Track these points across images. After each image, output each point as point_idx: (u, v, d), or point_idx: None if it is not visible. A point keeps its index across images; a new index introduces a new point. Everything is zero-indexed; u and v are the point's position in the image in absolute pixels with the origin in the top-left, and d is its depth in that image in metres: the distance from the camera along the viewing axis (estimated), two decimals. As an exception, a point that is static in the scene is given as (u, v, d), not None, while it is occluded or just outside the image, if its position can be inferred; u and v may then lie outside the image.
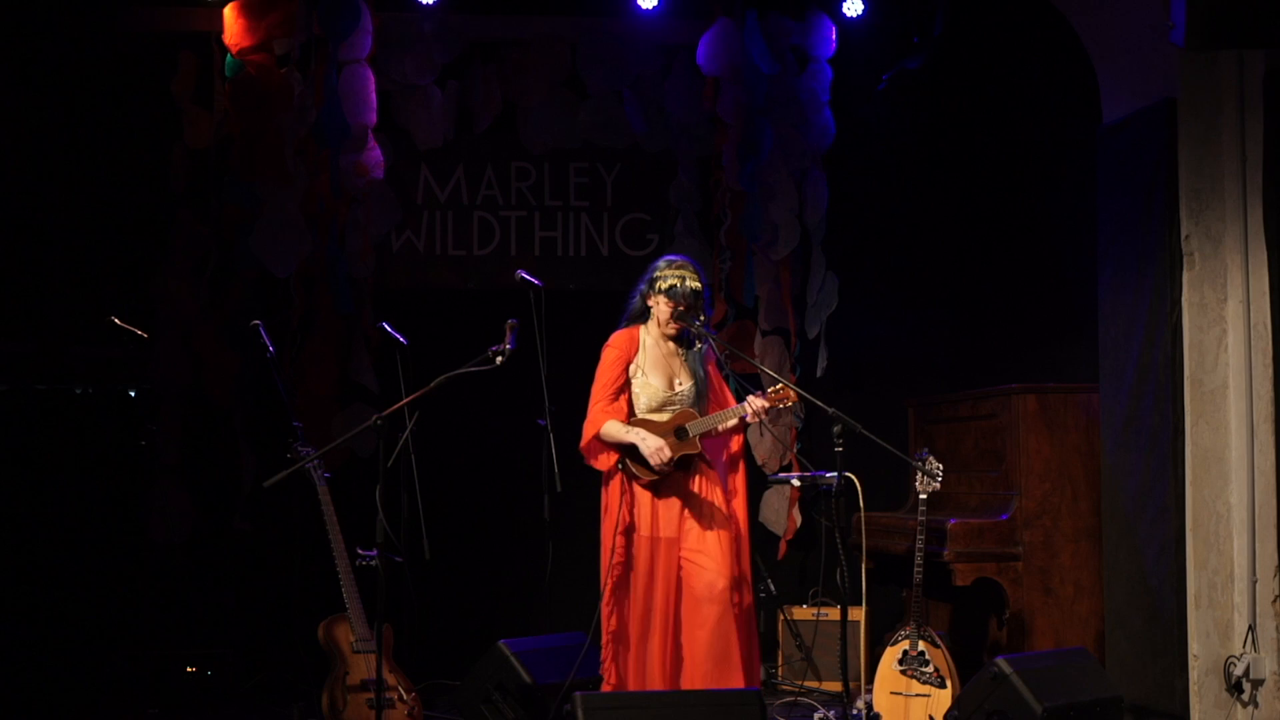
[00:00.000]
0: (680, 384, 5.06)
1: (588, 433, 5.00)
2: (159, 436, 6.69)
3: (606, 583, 4.97)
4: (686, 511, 5.00)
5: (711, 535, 4.97)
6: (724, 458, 5.17)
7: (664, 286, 5.01)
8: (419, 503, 5.70)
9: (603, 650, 5.00)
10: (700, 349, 5.13)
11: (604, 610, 4.96)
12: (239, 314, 6.71)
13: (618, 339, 5.10)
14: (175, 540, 6.71)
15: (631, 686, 4.91)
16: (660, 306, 5.03)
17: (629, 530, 4.97)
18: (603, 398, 5.01)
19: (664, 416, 5.02)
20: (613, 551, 4.93)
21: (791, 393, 4.93)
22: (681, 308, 4.99)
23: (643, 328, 5.12)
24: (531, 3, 7.22)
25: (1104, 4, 5.85)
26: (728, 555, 4.96)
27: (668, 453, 4.84)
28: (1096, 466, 6.03)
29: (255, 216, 6.81)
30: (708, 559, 4.93)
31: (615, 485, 5.01)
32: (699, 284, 5.02)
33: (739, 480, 5.17)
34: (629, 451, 4.95)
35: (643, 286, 5.10)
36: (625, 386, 5.05)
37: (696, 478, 5.04)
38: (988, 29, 7.15)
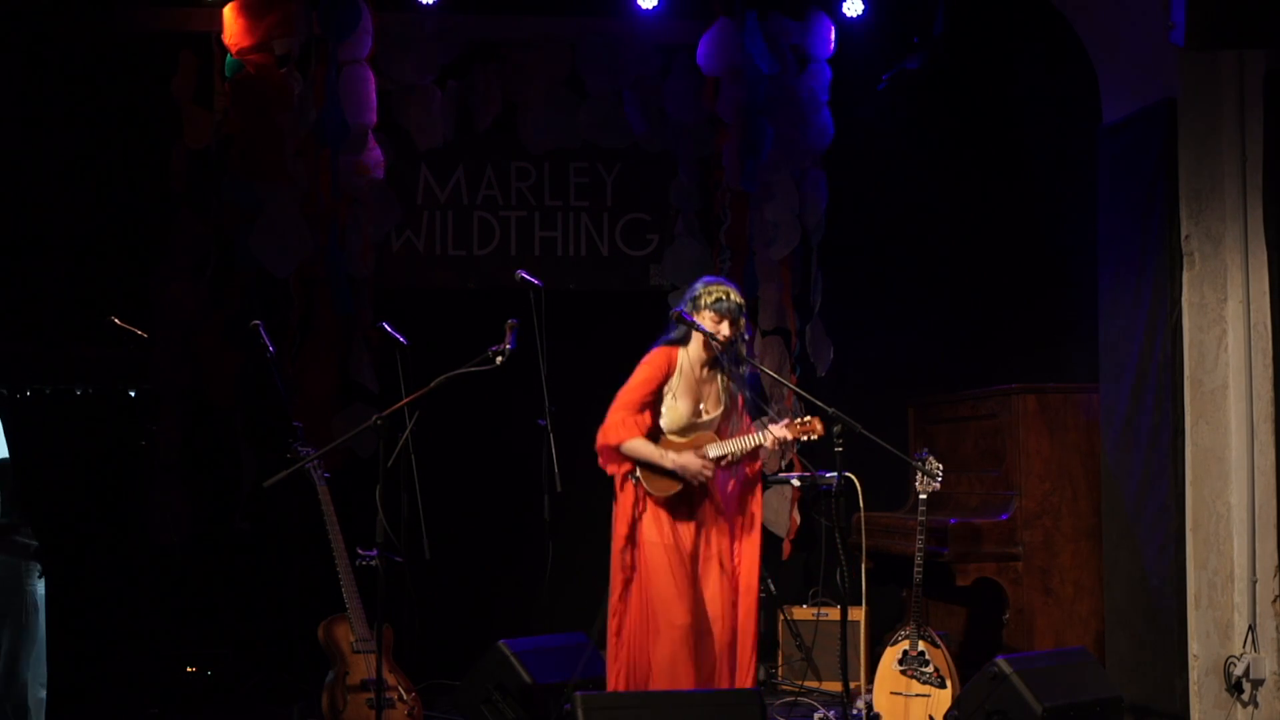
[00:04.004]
0: (706, 412, 5.06)
1: (609, 436, 4.99)
2: (159, 436, 6.68)
3: (615, 589, 4.98)
4: (703, 527, 5.03)
5: (737, 544, 5.05)
6: (740, 479, 5.13)
7: (709, 301, 4.98)
8: (419, 503, 5.69)
9: (608, 652, 5.01)
10: (743, 371, 5.11)
11: (612, 615, 4.98)
12: (239, 314, 6.71)
13: (658, 357, 5.06)
14: (175, 540, 6.71)
15: (639, 685, 4.91)
16: (707, 322, 4.98)
17: (636, 539, 4.98)
18: (630, 407, 4.99)
19: (684, 439, 5.03)
20: (624, 559, 4.97)
21: (819, 426, 4.86)
22: (728, 321, 4.97)
23: (681, 350, 5.08)
24: (531, 3, 7.22)
25: (1104, 4, 5.85)
26: (754, 562, 5.04)
27: (710, 471, 4.90)
28: (1096, 466, 6.03)
29: (255, 216, 6.80)
30: (738, 565, 5.03)
31: (629, 496, 5.02)
32: (741, 300, 5.02)
33: (755, 504, 5.13)
34: (648, 467, 4.96)
35: (684, 307, 5.05)
36: (653, 403, 5.04)
37: (706, 501, 5.05)
38: (988, 29, 7.15)
